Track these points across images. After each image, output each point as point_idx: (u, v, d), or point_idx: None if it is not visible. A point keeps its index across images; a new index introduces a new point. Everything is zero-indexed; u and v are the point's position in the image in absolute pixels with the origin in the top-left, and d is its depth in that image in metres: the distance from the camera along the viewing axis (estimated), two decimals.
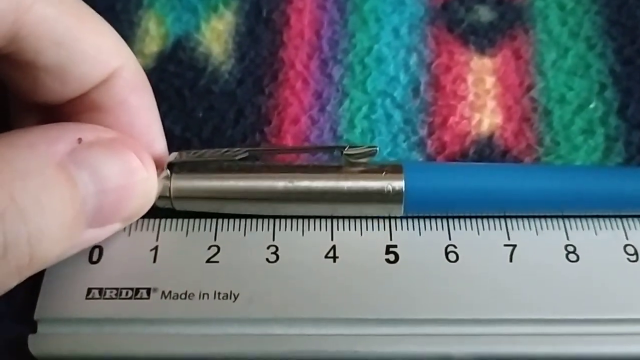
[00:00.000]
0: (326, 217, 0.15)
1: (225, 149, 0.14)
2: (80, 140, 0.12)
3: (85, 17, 0.13)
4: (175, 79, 0.18)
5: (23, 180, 0.11)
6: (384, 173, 0.14)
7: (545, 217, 0.15)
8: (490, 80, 0.17)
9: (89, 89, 0.13)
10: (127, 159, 0.13)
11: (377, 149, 0.14)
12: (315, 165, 0.15)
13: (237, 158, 0.14)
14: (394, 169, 0.14)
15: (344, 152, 0.14)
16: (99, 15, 0.13)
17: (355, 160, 0.14)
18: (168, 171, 0.14)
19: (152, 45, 0.18)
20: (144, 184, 0.13)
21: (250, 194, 0.14)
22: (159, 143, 0.14)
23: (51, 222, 0.11)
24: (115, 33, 0.13)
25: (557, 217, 0.15)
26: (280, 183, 0.14)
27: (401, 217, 0.15)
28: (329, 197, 0.14)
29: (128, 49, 0.14)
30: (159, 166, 0.14)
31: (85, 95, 0.13)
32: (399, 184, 0.14)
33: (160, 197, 0.14)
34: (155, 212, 0.15)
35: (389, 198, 0.14)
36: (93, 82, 0.13)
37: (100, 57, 0.13)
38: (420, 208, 0.14)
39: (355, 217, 0.15)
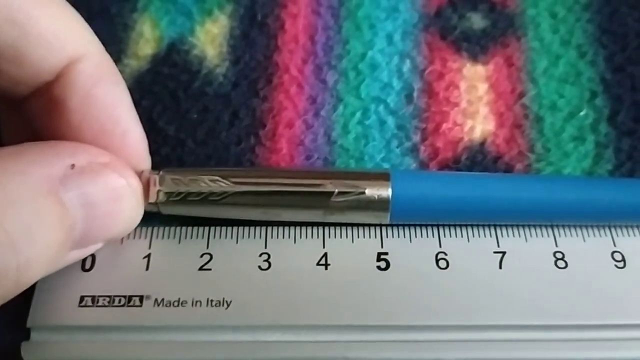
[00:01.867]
0: (318, 225, 0.15)
1: (210, 185, 0.14)
2: (73, 166, 0.12)
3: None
4: (170, 81, 0.17)
5: (15, 208, 0.11)
6: (371, 181, 0.14)
7: (534, 224, 0.15)
8: (482, 87, 0.17)
9: (50, 80, 0.13)
10: (117, 186, 0.13)
11: (366, 191, 0.14)
12: (304, 171, 0.15)
13: (223, 195, 0.14)
14: (382, 177, 0.14)
15: (331, 200, 0.14)
16: (64, 0, 0.13)
17: (340, 204, 0.14)
18: (156, 195, 0.14)
19: (147, 47, 0.18)
20: (131, 210, 0.13)
21: (240, 199, 0.14)
22: (133, 134, 0.14)
23: (40, 250, 0.11)
24: (78, 19, 0.13)
25: (546, 224, 0.15)
26: (268, 188, 0.14)
27: (392, 225, 0.15)
28: (317, 205, 0.14)
29: (93, 37, 0.13)
30: (136, 158, 0.14)
31: (48, 88, 0.13)
32: (385, 192, 0.14)
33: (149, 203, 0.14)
34: (148, 221, 0.15)
35: (376, 206, 0.14)
36: (51, 69, 0.13)
37: (56, 41, 0.12)
38: (407, 216, 0.15)
39: (345, 225, 0.15)
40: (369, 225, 0.15)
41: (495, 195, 0.14)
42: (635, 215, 0.15)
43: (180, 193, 0.14)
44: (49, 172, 0.12)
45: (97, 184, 0.12)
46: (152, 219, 0.15)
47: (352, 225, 0.15)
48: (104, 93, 0.13)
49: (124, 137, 0.14)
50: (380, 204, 0.14)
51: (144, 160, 0.14)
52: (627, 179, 0.16)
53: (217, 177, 0.14)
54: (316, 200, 0.14)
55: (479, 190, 0.14)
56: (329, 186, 0.14)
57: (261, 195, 0.14)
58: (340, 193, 0.14)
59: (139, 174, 0.14)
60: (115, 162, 0.13)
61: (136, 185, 0.13)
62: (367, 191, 0.14)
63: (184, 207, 0.14)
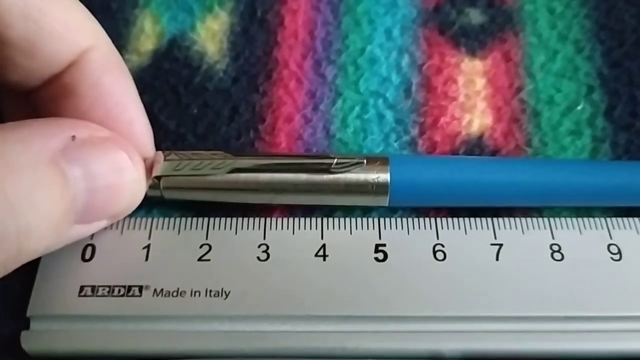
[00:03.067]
0: (316, 216, 0.15)
1: (212, 161, 0.14)
2: (74, 137, 0.12)
3: None
4: (170, 76, 0.18)
5: (15, 175, 0.11)
6: (370, 165, 0.14)
7: (531, 216, 0.15)
8: (480, 82, 0.17)
9: (61, 70, 0.13)
10: (118, 159, 0.13)
11: (365, 161, 0.14)
12: (303, 155, 0.15)
13: (223, 171, 0.14)
14: (381, 162, 0.14)
15: (332, 167, 0.14)
16: None
17: (341, 171, 0.14)
18: (156, 180, 0.14)
19: (148, 43, 0.18)
20: (133, 184, 0.13)
21: (238, 184, 0.14)
22: (139, 123, 0.14)
23: (41, 218, 0.11)
24: (87, 13, 0.13)
25: (542, 216, 0.15)
26: (267, 174, 0.14)
27: (390, 217, 0.15)
28: (316, 189, 0.14)
29: (101, 30, 0.14)
30: (142, 147, 0.14)
31: (58, 77, 0.13)
32: (384, 177, 0.14)
33: (150, 187, 0.14)
34: (148, 212, 0.16)
35: (374, 190, 0.14)
36: (63, 60, 0.13)
37: (68, 34, 0.13)
38: (406, 200, 0.15)
39: (344, 213, 0.15)
40: (367, 217, 0.15)
41: (493, 179, 0.15)
42: (629, 196, 0.15)
43: (182, 167, 0.14)
44: (50, 142, 0.12)
45: (99, 157, 0.13)
46: (152, 209, 0.16)
47: (350, 216, 0.15)
48: (112, 81, 0.14)
49: (130, 125, 0.14)
50: (379, 188, 0.14)
51: (149, 149, 0.14)
52: (624, 162, 0.16)
53: (218, 152, 0.14)
54: (316, 169, 0.14)
55: (476, 172, 0.15)
56: (329, 159, 0.14)
57: (262, 168, 0.14)
58: (339, 163, 0.14)
59: (143, 160, 0.14)
60: (116, 137, 0.13)
61: (137, 160, 0.13)
62: (366, 175, 0.14)
63: (186, 186, 0.14)
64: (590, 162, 0.16)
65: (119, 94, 0.14)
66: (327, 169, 0.14)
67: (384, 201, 0.14)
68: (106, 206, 0.13)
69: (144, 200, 0.14)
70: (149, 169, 0.14)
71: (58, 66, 0.13)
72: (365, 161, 0.14)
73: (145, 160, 0.14)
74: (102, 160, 0.13)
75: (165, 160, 0.14)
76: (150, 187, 0.14)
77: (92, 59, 0.13)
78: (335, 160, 0.14)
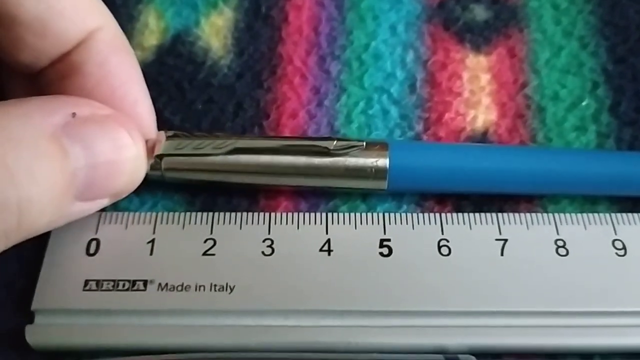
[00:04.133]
0: (321, 211, 0.15)
1: (214, 140, 0.15)
2: (74, 114, 0.12)
3: None
4: (175, 72, 0.18)
5: (16, 147, 0.11)
6: (369, 149, 0.15)
7: (536, 212, 0.15)
8: (485, 78, 0.17)
9: (69, 50, 0.13)
10: (119, 136, 0.13)
11: (364, 144, 0.14)
12: (304, 137, 0.15)
13: (224, 150, 0.14)
14: (380, 146, 0.15)
15: (332, 148, 0.14)
16: None
17: (341, 153, 0.14)
18: (158, 160, 0.14)
19: (152, 38, 0.18)
20: (134, 161, 0.13)
21: (239, 166, 0.15)
22: (143, 104, 0.14)
23: (41, 190, 0.11)
24: None
25: (547, 212, 0.15)
26: (267, 156, 0.14)
27: (395, 212, 0.15)
28: (315, 172, 0.15)
29: (108, 11, 0.14)
30: (145, 128, 0.14)
31: (66, 56, 0.13)
32: (383, 161, 0.14)
33: (152, 168, 0.14)
34: (153, 206, 0.16)
35: (373, 174, 0.14)
36: (71, 40, 0.13)
37: (77, 14, 0.13)
38: (405, 185, 0.15)
39: (349, 208, 0.15)
40: (372, 211, 0.15)
41: (493, 165, 0.15)
42: (633, 185, 0.15)
43: (183, 146, 0.14)
44: (51, 118, 0.12)
45: (99, 134, 0.13)
46: (157, 204, 0.16)
47: (355, 211, 0.15)
48: (118, 61, 0.14)
49: (134, 105, 0.14)
50: (378, 173, 0.14)
51: (152, 130, 0.15)
52: (628, 152, 0.16)
53: (220, 133, 0.15)
54: (316, 151, 0.14)
55: (476, 159, 0.15)
56: (329, 141, 0.14)
57: (263, 149, 0.15)
58: (339, 146, 0.14)
59: (146, 141, 0.14)
60: (118, 115, 0.13)
61: (138, 138, 0.13)
62: (365, 159, 0.14)
63: (186, 167, 0.14)
64: (594, 152, 0.16)
65: (124, 74, 0.14)
66: (326, 152, 0.14)
67: (383, 185, 0.15)
68: (107, 183, 0.13)
69: (148, 194, 0.14)
70: (151, 149, 0.14)
71: (66, 45, 0.13)
72: (364, 144, 0.14)
73: (147, 141, 0.14)
74: (102, 138, 0.13)
75: (167, 139, 0.15)
76: (152, 168, 0.14)
77: (100, 39, 0.14)
78: (335, 142, 0.14)
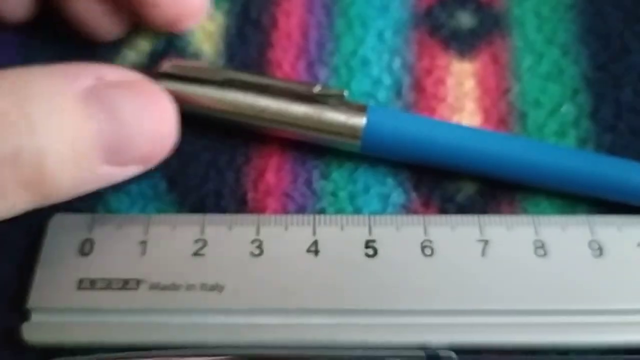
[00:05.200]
0: (308, 213, 0.16)
1: (209, 69, 0.16)
2: (101, 78, 0.13)
3: None
4: None
5: (39, 101, 0.11)
6: (349, 108, 0.15)
7: (516, 214, 0.16)
8: (469, 84, 0.18)
9: None
10: (146, 102, 0.13)
11: (346, 93, 0.15)
12: (290, 79, 0.16)
13: (219, 78, 0.16)
14: (360, 107, 0.15)
15: (314, 92, 0.15)
16: None
17: (322, 98, 0.15)
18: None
19: (144, 44, 0.19)
20: (162, 127, 0.13)
21: (226, 103, 0.16)
22: None
23: (62, 145, 0.12)
24: None
25: (527, 213, 0.16)
26: (248, 98, 0.16)
27: (380, 214, 0.16)
28: (295, 121, 0.15)
29: None
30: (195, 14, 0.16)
31: None
32: (360, 120, 0.15)
33: None
34: (144, 207, 0.16)
35: (349, 131, 0.15)
36: None
37: None
38: (378, 147, 0.16)
39: (336, 210, 0.16)
40: (358, 213, 0.16)
41: (467, 144, 0.15)
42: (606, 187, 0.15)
43: (182, 68, 0.16)
44: (78, 81, 0.12)
45: (126, 98, 0.13)
46: (148, 205, 0.16)
47: (341, 213, 0.16)
48: None
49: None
50: (353, 130, 0.15)
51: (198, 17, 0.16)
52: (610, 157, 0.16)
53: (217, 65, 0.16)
54: (299, 92, 0.15)
55: (452, 135, 0.15)
56: (312, 85, 0.16)
57: (252, 83, 0.16)
58: (322, 92, 0.15)
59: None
60: (145, 81, 0.13)
61: (165, 103, 0.14)
62: (343, 116, 0.15)
63: (180, 95, 0.15)
64: (577, 151, 0.16)
65: None
66: (309, 95, 0.15)
67: (357, 146, 0.15)
68: (133, 148, 0.13)
69: (140, 195, 0.15)
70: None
71: None
72: (345, 93, 0.15)
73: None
74: (128, 102, 0.13)
75: (171, 63, 0.16)
76: None
77: None
78: (319, 87, 0.15)
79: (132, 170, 0.14)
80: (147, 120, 0.13)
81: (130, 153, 0.13)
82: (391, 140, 0.15)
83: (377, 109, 0.16)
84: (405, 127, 0.15)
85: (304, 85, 0.16)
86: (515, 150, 0.15)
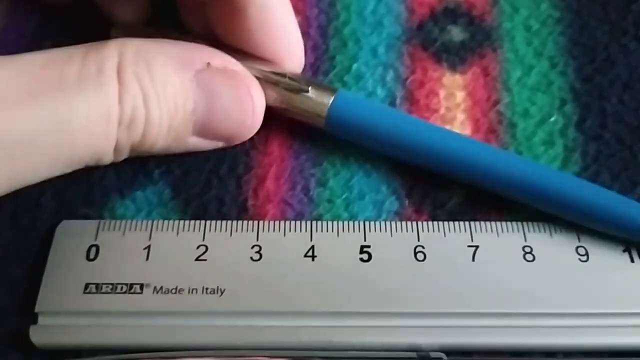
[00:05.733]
0: (306, 220, 0.16)
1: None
2: (209, 64, 0.15)
3: None
4: None
5: (153, 78, 0.14)
6: (318, 88, 0.16)
7: (505, 220, 0.16)
8: (460, 95, 0.19)
9: None
10: (241, 92, 0.15)
11: (309, 89, 0.16)
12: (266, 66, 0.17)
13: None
14: (330, 90, 0.16)
15: (288, 76, 0.16)
16: None
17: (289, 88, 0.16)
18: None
19: None
20: (249, 118, 0.16)
21: None
22: (296, 40, 0.16)
23: (164, 115, 0.14)
24: None
25: (516, 221, 0.16)
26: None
27: (374, 220, 0.16)
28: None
29: None
30: (294, 67, 0.17)
31: None
32: (328, 99, 0.16)
33: None
34: (148, 214, 0.17)
35: (316, 108, 0.16)
36: None
37: None
38: (340, 128, 0.17)
39: (332, 217, 0.16)
40: (354, 219, 0.16)
41: (426, 141, 0.16)
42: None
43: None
44: (192, 64, 0.14)
45: (225, 84, 0.15)
46: (152, 212, 0.17)
47: (338, 219, 0.16)
48: (276, 3, 0.16)
49: (289, 43, 0.16)
50: (320, 108, 0.16)
51: (300, 64, 0.17)
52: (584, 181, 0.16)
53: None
54: (269, 78, 0.16)
55: (412, 130, 0.16)
56: (281, 76, 0.16)
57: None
58: (287, 84, 0.16)
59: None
60: (246, 73, 0.16)
61: (258, 96, 0.16)
62: (311, 94, 0.16)
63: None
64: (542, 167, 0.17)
65: (280, 14, 0.16)
66: (277, 83, 0.16)
67: (321, 123, 0.16)
68: (222, 128, 0.15)
69: (144, 202, 0.15)
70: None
71: None
72: (309, 88, 0.16)
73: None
74: (227, 89, 0.15)
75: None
76: None
77: None
78: (286, 79, 0.16)
79: (216, 145, 0.16)
80: (237, 110, 0.15)
81: (218, 132, 0.16)
82: (353, 122, 0.16)
83: (345, 93, 0.17)
84: (368, 112, 0.16)
85: (274, 75, 0.16)
86: (461, 146, 0.16)
